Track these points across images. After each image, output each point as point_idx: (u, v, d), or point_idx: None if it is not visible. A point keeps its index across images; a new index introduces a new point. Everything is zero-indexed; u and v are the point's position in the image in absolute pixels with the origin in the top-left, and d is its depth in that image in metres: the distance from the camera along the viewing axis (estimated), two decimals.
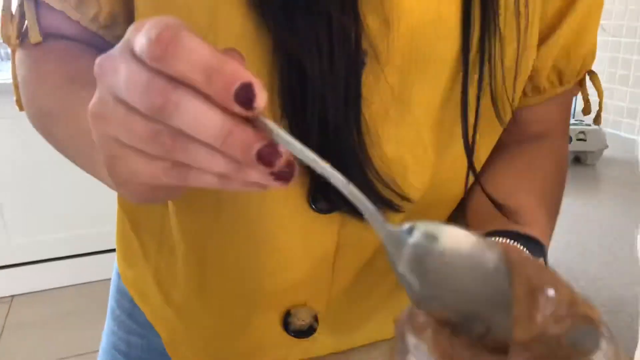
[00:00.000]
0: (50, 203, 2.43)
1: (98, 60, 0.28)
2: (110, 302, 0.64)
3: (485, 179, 0.51)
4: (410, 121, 0.45)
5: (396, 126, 0.45)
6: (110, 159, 0.29)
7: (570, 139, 1.16)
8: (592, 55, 0.54)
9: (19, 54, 0.49)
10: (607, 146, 1.17)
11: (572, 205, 1.00)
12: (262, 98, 0.25)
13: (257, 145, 0.25)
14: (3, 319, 2.33)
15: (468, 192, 0.51)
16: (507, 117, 0.50)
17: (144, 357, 0.59)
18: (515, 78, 0.48)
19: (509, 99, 0.48)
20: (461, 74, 0.45)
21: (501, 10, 0.45)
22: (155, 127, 0.26)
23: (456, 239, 0.21)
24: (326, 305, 0.51)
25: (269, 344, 0.53)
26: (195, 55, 0.24)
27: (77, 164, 0.45)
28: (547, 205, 0.52)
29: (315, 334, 0.52)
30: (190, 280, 0.53)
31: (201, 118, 0.25)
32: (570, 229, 0.92)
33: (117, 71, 0.26)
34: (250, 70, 0.25)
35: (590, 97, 0.57)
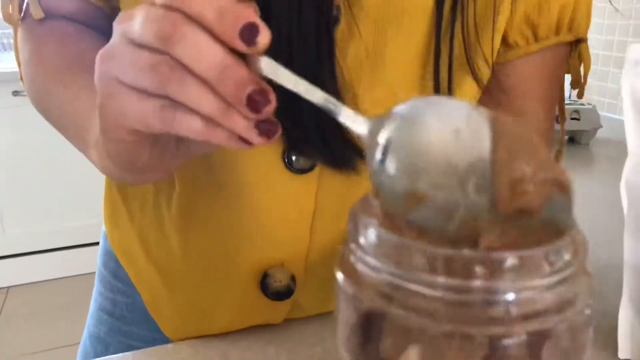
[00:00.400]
0: (45, 195, 2.42)
1: (121, 14, 0.30)
2: (98, 264, 0.63)
3: None
4: (385, 79, 0.45)
5: (371, 83, 0.45)
6: (106, 99, 0.30)
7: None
8: (571, 13, 0.50)
9: (21, 32, 0.51)
10: (601, 126, 1.17)
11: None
12: (265, 37, 0.26)
13: (250, 87, 0.26)
14: None
15: None
16: (484, 76, 0.48)
17: (129, 315, 0.59)
18: (493, 33, 0.47)
19: (484, 55, 0.47)
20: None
21: None
22: (157, 57, 0.27)
23: (438, 106, 0.20)
24: (304, 266, 0.51)
25: (248, 307, 0.52)
26: None
27: (70, 141, 0.47)
28: None
29: (294, 297, 0.51)
30: (174, 240, 0.53)
31: (203, 49, 0.26)
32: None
33: (134, 16, 0.28)
34: None
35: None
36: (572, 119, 1.15)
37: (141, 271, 0.56)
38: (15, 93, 2.26)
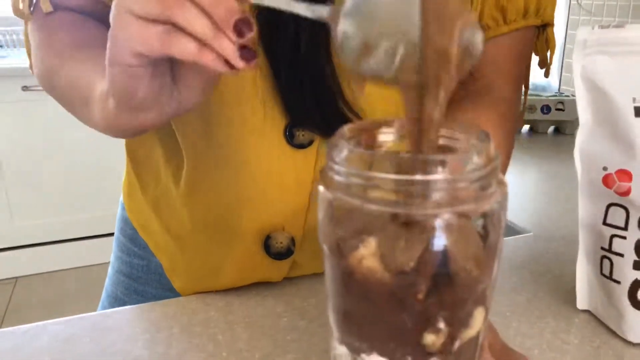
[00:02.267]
0: (53, 187, 2.47)
1: None
2: (115, 232, 0.70)
3: None
4: None
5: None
6: (117, 29, 0.35)
7: (550, 109, 1.21)
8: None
9: (30, 24, 0.56)
10: None
11: (550, 172, 1.06)
12: None
13: (237, 15, 0.32)
14: (7, 300, 2.39)
15: None
16: None
17: (145, 277, 0.65)
18: None
19: None
20: None
21: None
22: None
23: None
24: (303, 230, 0.57)
25: (252, 267, 0.58)
26: None
27: (74, 110, 0.51)
28: None
29: (294, 257, 0.58)
30: (184, 212, 0.59)
31: None
32: (549, 191, 0.98)
33: None
34: None
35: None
36: (557, 109, 1.21)
37: (157, 239, 0.63)
38: (25, 88, 2.30)
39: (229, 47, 0.33)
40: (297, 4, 0.31)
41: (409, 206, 0.23)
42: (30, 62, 0.57)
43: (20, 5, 0.54)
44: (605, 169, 0.48)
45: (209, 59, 0.34)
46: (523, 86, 0.63)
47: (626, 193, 0.47)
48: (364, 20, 0.26)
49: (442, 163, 0.23)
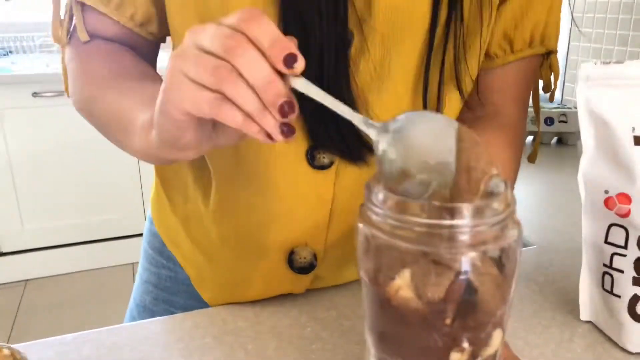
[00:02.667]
0: (62, 192, 2.50)
1: (191, 28, 0.39)
2: (143, 244, 0.74)
3: None
4: (390, 88, 0.55)
5: (379, 91, 0.55)
6: (171, 86, 0.39)
7: (553, 121, 1.25)
8: (542, 29, 0.60)
9: (67, 51, 0.59)
10: None
11: (554, 183, 1.10)
12: (301, 64, 0.36)
13: (283, 98, 0.36)
14: (17, 302, 2.43)
15: None
16: (468, 89, 0.58)
17: (173, 287, 0.69)
18: (479, 55, 0.58)
19: (469, 72, 0.57)
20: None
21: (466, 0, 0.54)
22: (220, 62, 0.36)
23: (427, 122, 0.31)
24: (324, 245, 0.61)
25: (277, 280, 0.62)
26: (268, 28, 0.36)
27: (110, 136, 0.55)
28: None
29: (315, 270, 0.62)
30: (212, 229, 0.63)
31: (256, 65, 0.36)
32: (553, 203, 1.02)
33: (205, 30, 0.37)
34: None
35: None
36: (560, 121, 1.25)
37: (186, 252, 0.67)
38: (35, 94, 2.34)
39: (271, 124, 0.37)
40: (343, 106, 0.36)
41: (438, 247, 0.27)
42: (65, 86, 0.61)
43: (60, 33, 0.58)
44: (606, 192, 0.53)
45: (252, 130, 0.38)
46: (534, 111, 0.68)
47: (626, 215, 0.51)
48: (405, 151, 0.31)
49: (467, 209, 0.27)
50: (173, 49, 0.61)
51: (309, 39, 0.49)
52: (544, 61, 0.65)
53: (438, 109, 0.58)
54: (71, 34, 0.59)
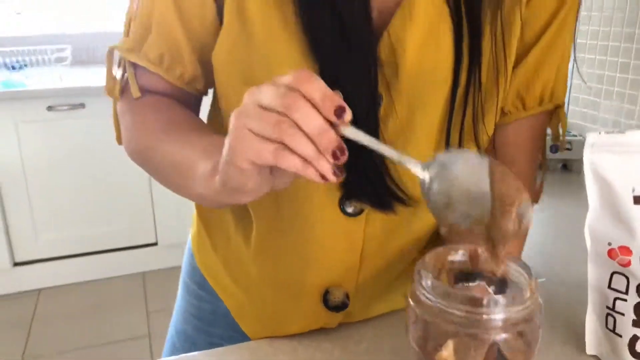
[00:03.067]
0: (75, 203, 2.56)
1: (249, 90, 0.45)
2: (183, 276, 0.81)
3: None
4: (415, 143, 0.61)
5: (404, 147, 0.61)
6: (236, 140, 0.44)
7: (558, 148, 1.32)
8: (551, 88, 0.67)
9: (120, 103, 0.66)
10: None
11: (559, 209, 1.17)
12: (348, 115, 0.43)
13: (336, 144, 0.43)
14: (32, 311, 2.48)
15: None
16: (485, 143, 0.65)
17: (213, 319, 0.76)
18: (495, 116, 0.64)
19: (486, 130, 0.64)
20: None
21: (483, 67, 0.60)
22: (280, 118, 0.42)
23: (463, 159, 0.38)
24: (356, 286, 0.68)
25: (312, 316, 0.69)
26: (319, 85, 0.42)
27: (170, 184, 0.61)
28: (518, 242, 0.67)
29: (348, 308, 0.69)
30: (253, 268, 0.70)
31: (311, 117, 0.42)
32: (558, 231, 1.08)
33: (262, 90, 0.44)
34: None
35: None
36: (565, 149, 1.32)
37: (226, 289, 0.74)
38: (50, 108, 2.40)
39: (326, 167, 0.43)
40: (389, 149, 0.42)
41: (476, 329, 0.34)
42: (117, 135, 0.67)
43: (113, 87, 0.64)
44: (609, 244, 0.59)
45: (309, 174, 0.44)
46: (541, 157, 0.74)
47: (627, 265, 0.58)
48: (448, 185, 0.37)
49: (500, 299, 0.34)
50: (214, 99, 0.67)
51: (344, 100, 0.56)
52: (553, 114, 0.71)
53: None
54: (123, 88, 0.64)
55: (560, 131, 0.73)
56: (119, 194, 2.61)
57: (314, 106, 0.42)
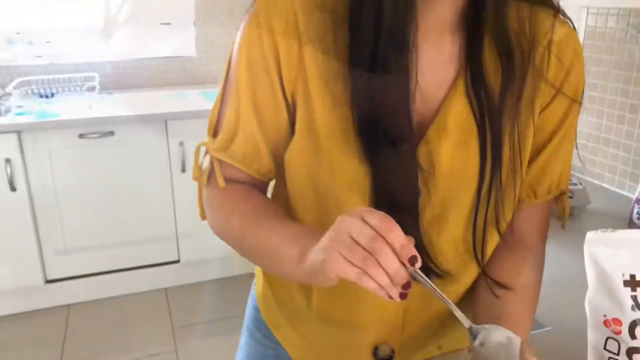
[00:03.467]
0: (103, 224, 2.71)
1: (341, 216, 0.59)
2: (247, 324, 0.96)
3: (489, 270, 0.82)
4: (446, 227, 0.76)
5: (439, 234, 0.76)
6: (329, 257, 0.58)
7: (563, 226, 1.47)
8: (558, 180, 0.81)
9: (206, 190, 0.78)
10: (590, 202, 1.49)
11: (561, 256, 1.30)
12: (419, 263, 0.57)
13: (406, 280, 0.58)
14: (64, 326, 2.61)
15: (478, 292, 0.82)
16: (504, 230, 0.80)
17: None
18: (513, 207, 0.79)
19: (505, 219, 0.79)
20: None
21: (504, 168, 0.75)
22: (366, 254, 0.57)
23: (497, 334, 0.54)
24: (399, 343, 0.83)
25: None
26: (399, 236, 0.57)
27: (259, 262, 0.76)
28: (531, 309, 0.83)
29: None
30: (315, 327, 0.84)
31: (391, 260, 0.56)
32: (561, 278, 1.20)
33: (353, 224, 0.58)
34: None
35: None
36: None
37: (289, 339, 0.89)
38: (81, 136, 2.54)
39: (396, 294, 0.58)
40: (447, 300, 0.58)
41: None
42: (200, 212, 0.80)
43: (200, 175, 0.78)
44: (605, 315, 0.75)
45: (382, 295, 0.59)
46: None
47: (618, 333, 0.74)
48: (489, 348, 0.54)
49: None
50: (277, 182, 0.82)
51: (392, 197, 0.71)
52: (558, 198, 0.87)
53: (483, 244, 0.80)
54: (209, 178, 0.78)
55: (564, 211, 0.88)
56: (144, 216, 2.76)
57: (394, 251, 0.56)
